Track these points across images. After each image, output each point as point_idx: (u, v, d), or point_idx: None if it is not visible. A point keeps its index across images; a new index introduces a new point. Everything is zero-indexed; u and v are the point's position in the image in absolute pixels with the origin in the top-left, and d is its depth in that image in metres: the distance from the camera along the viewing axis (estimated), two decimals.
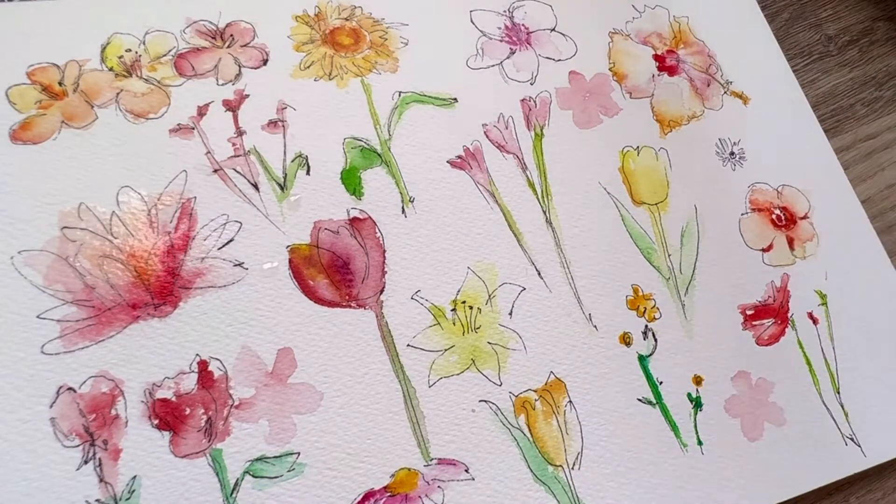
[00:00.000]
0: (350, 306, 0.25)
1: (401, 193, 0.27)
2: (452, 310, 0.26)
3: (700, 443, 0.26)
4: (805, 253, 0.31)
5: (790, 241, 0.31)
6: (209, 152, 0.26)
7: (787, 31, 0.36)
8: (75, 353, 0.22)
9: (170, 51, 0.27)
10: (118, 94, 0.26)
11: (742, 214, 0.31)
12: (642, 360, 0.27)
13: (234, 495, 0.22)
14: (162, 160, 0.25)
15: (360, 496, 0.23)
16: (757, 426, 0.27)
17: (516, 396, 0.25)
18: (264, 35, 0.29)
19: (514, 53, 0.31)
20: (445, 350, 0.25)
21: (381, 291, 0.26)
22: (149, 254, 0.24)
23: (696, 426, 0.27)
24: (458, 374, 0.25)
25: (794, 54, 0.36)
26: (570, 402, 0.26)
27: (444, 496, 0.24)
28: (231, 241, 0.25)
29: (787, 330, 0.29)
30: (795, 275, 0.30)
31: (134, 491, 0.21)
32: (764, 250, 0.30)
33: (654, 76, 0.33)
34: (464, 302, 0.26)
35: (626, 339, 0.27)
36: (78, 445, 0.21)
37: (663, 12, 0.34)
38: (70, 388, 0.22)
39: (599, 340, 0.27)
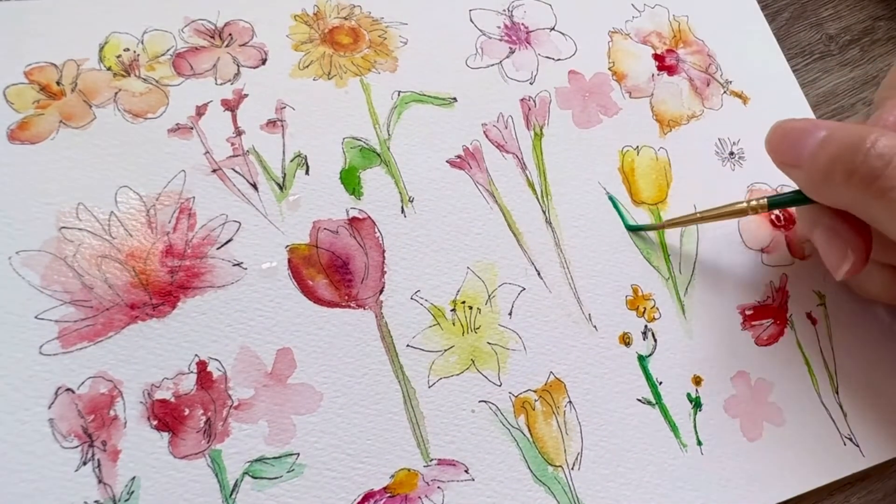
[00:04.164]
0: (349, 306, 0.25)
1: (400, 193, 0.27)
2: (452, 310, 0.26)
3: (699, 443, 0.26)
4: (804, 253, 0.31)
5: (789, 242, 0.31)
6: (208, 152, 0.26)
7: (788, 31, 0.36)
8: (73, 354, 0.22)
9: (168, 50, 0.27)
10: (116, 93, 0.26)
11: None
12: (642, 360, 0.27)
13: (233, 496, 0.22)
14: (160, 160, 0.25)
15: (360, 497, 0.23)
16: (756, 426, 0.27)
17: (516, 397, 0.25)
18: (263, 34, 0.28)
19: (513, 53, 0.31)
20: (445, 350, 0.25)
21: (381, 291, 0.26)
22: (147, 254, 0.24)
23: (695, 426, 0.27)
24: (457, 375, 0.25)
25: (794, 54, 0.36)
26: (570, 402, 0.26)
27: (444, 497, 0.23)
28: (230, 240, 0.25)
29: (785, 330, 0.29)
30: (794, 275, 0.30)
31: (133, 492, 0.21)
32: (763, 250, 0.30)
33: (653, 76, 0.33)
34: (463, 302, 0.26)
35: (625, 340, 0.27)
36: (77, 446, 0.21)
37: (663, 11, 0.34)
38: (68, 389, 0.22)
39: (599, 341, 0.27)
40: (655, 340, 0.27)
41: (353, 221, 0.26)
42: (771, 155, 0.25)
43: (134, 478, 0.21)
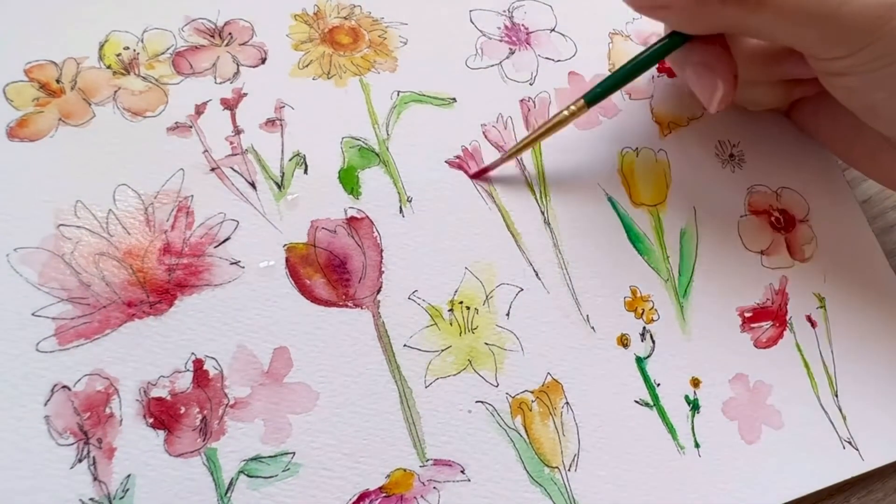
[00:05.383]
0: (347, 306, 0.25)
1: (398, 193, 0.27)
2: (450, 310, 0.26)
3: (697, 445, 0.26)
4: (804, 255, 0.31)
5: (789, 244, 0.31)
6: (206, 151, 0.26)
7: None
8: (70, 351, 0.22)
9: (168, 49, 0.27)
10: (116, 91, 0.26)
11: (741, 216, 0.31)
12: (640, 361, 0.27)
13: (228, 495, 0.22)
14: (159, 158, 0.25)
15: (356, 496, 0.23)
16: (754, 429, 0.27)
17: (513, 397, 0.25)
18: (263, 33, 0.28)
19: (513, 53, 0.31)
20: (442, 350, 0.25)
21: (378, 291, 0.25)
22: (145, 252, 0.24)
23: (693, 428, 0.27)
24: (454, 375, 0.25)
25: None
26: (567, 403, 0.26)
27: (440, 497, 0.23)
28: (228, 239, 0.25)
29: (785, 332, 0.29)
30: (794, 277, 0.30)
31: (128, 490, 0.21)
32: (762, 253, 0.30)
33: (653, 77, 0.33)
34: (461, 302, 0.26)
35: (623, 341, 0.27)
36: (72, 444, 0.21)
37: None
38: (64, 387, 0.22)
39: (597, 342, 0.27)
40: (654, 342, 0.27)
41: (351, 221, 0.26)
42: (634, 3, 0.26)
43: (129, 476, 0.21)
